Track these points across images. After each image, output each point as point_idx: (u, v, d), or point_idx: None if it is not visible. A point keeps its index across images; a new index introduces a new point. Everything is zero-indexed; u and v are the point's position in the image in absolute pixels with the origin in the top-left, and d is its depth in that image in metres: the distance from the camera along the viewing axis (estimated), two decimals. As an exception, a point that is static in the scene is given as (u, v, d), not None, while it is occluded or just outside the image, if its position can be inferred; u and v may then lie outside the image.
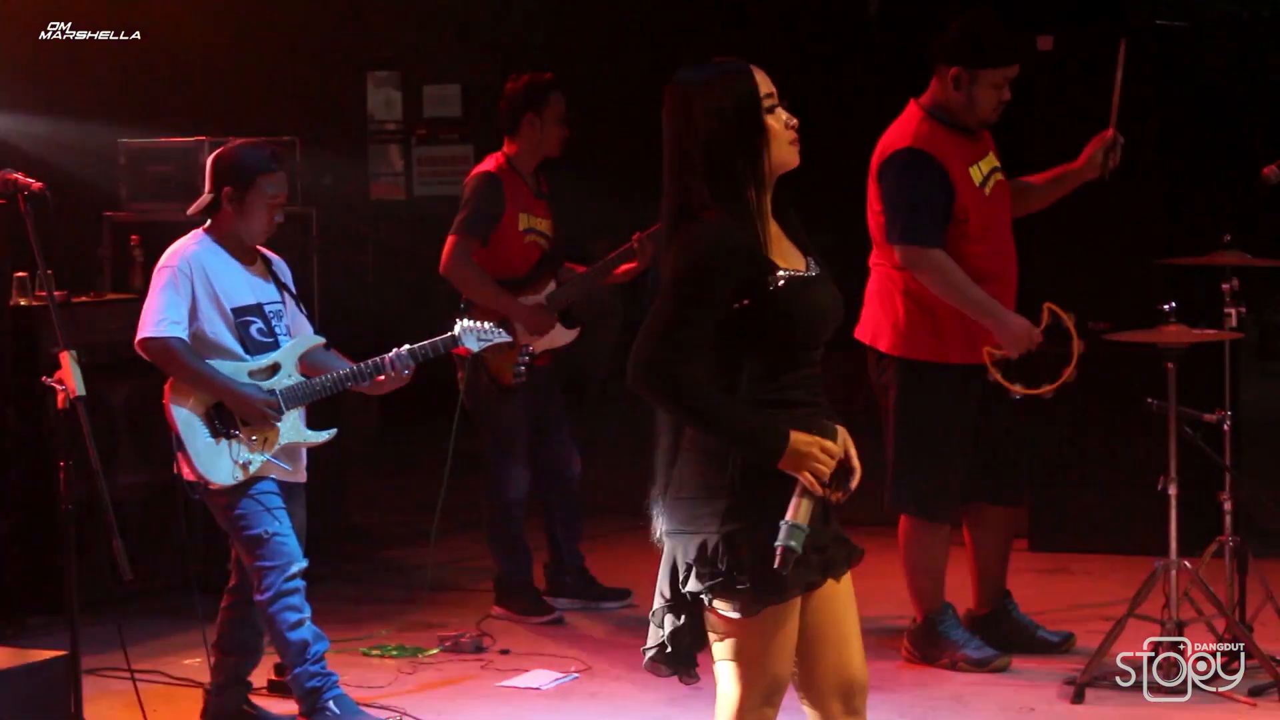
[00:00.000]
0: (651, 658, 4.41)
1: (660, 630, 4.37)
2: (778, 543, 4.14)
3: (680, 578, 4.30)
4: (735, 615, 4.26)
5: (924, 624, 7.18)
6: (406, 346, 6.52)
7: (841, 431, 4.34)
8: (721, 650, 4.33)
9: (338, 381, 6.48)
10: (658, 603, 4.37)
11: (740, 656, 4.31)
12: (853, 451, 4.43)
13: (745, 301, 4.23)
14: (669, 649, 4.36)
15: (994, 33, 7.13)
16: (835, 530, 4.40)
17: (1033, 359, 6.98)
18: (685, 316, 4.22)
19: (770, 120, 4.32)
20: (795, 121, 4.35)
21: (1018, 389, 6.93)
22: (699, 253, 4.22)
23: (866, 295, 7.24)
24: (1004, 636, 7.24)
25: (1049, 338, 7.01)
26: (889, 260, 7.11)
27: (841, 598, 4.42)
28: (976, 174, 7.11)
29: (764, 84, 4.34)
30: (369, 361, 6.50)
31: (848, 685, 4.44)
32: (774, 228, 4.39)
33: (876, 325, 7.18)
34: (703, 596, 4.27)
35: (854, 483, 4.40)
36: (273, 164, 6.53)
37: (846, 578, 4.43)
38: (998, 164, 7.23)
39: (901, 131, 7.10)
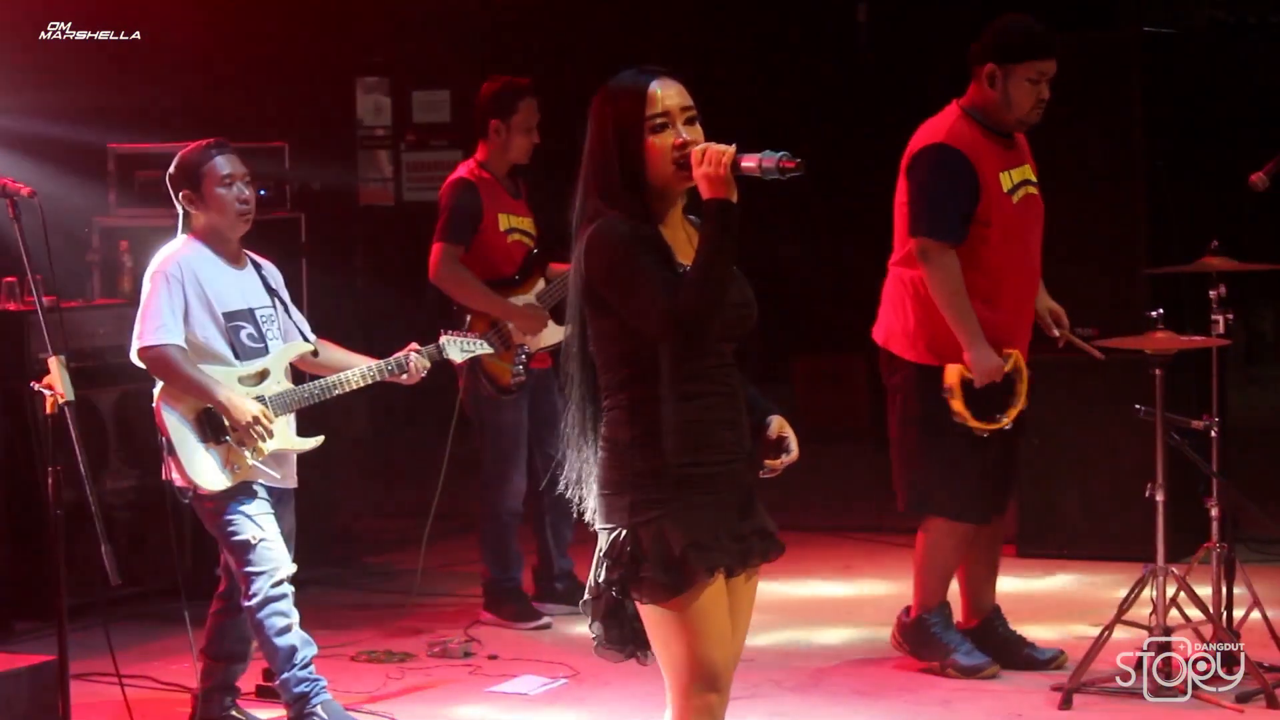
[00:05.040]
0: (599, 645, 4.55)
1: (595, 622, 4.50)
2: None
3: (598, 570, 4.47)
4: (647, 605, 4.38)
5: (918, 621, 7.16)
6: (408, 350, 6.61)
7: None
8: (656, 641, 4.45)
9: (325, 389, 6.50)
10: (586, 595, 4.52)
11: (672, 645, 4.43)
12: (789, 433, 4.56)
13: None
14: (610, 635, 4.49)
15: (1025, 28, 7.10)
16: (758, 523, 4.52)
17: (982, 393, 6.96)
18: (640, 270, 4.32)
19: (653, 140, 4.41)
20: (680, 141, 4.40)
21: (966, 419, 6.91)
22: (611, 241, 4.35)
23: (882, 296, 7.23)
24: (993, 651, 7.19)
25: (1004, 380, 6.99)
26: (905, 262, 7.08)
27: (745, 594, 4.55)
28: (1006, 180, 7.01)
29: (666, 99, 4.42)
30: (360, 368, 6.56)
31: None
32: (681, 232, 4.51)
33: (889, 328, 7.17)
34: (613, 589, 4.41)
35: (790, 458, 4.53)
36: (213, 149, 6.51)
37: (755, 579, 4.57)
38: (1033, 178, 7.12)
39: (936, 127, 7.06)
